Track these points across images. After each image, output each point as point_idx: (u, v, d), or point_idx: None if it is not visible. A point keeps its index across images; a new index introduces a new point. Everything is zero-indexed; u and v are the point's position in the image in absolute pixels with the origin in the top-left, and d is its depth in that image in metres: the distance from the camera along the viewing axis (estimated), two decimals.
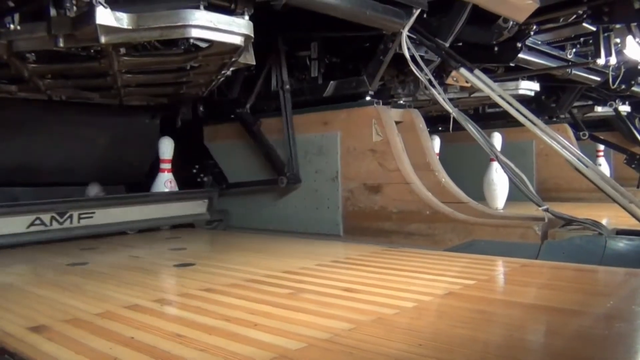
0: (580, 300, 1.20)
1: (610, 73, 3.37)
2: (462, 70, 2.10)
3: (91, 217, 2.29)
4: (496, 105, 2.12)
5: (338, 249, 2.05)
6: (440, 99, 2.13)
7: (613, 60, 2.96)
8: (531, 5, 2.04)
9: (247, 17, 1.53)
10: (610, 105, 3.95)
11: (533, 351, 0.92)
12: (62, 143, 2.71)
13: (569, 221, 1.85)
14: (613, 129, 4.43)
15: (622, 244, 1.74)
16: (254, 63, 1.93)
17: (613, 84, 3.44)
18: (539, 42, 2.98)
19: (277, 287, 1.35)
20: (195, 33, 1.41)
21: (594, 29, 2.82)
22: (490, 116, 3.71)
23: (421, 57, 2.07)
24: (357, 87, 2.35)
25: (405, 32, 2.01)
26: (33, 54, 1.67)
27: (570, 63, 3.17)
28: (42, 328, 1.04)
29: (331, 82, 2.44)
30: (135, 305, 1.19)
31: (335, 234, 2.32)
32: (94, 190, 2.73)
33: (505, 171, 2.13)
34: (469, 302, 1.18)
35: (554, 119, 3.76)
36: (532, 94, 3.25)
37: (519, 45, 2.59)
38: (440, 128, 3.48)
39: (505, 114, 2.09)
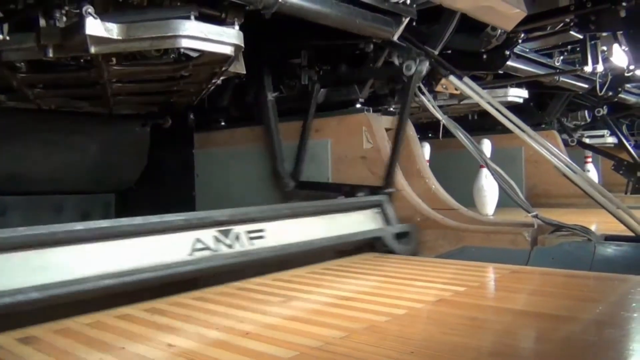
0: (570, 306, 1.21)
1: (598, 80, 3.41)
2: (452, 77, 2.11)
3: (261, 236, 1.60)
4: (485, 112, 2.14)
5: None
6: (430, 106, 2.15)
7: (600, 67, 3.00)
8: (519, 14, 2.06)
9: (237, 27, 1.54)
10: (598, 112, 3.99)
11: (524, 357, 0.93)
12: (52, 151, 2.70)
13: (558, 227, 1.87)
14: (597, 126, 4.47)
15: (610, 249, 1.76)
16: (244, 72, 1.93)
17: (600, 91, 3.49)
18: (527, 50, 3.01)
19: (268, 295, 1.35)
20: (185, 43, 1.40)
21: (581, 37, 2.86)
22: (479, 123, 3.74)
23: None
24: (347, 95, 2.36)
25: (395, 40, 2.03)
26: (23, 63, 1.66)
27: (558, 70, 3.21)
28: None
29: (322, 89, 2.45)
30: (126, 315, 1.18)
31: None
32: None
33: (494, 178, 2.15)
34: (460, 309, 1.18)
35: (543, 126, 3.79)
36: (521, 101, 3.28)
37: (507, 53, 2.62)
38: (430, 135, 3.50)
39: (495, 121, 2.11)
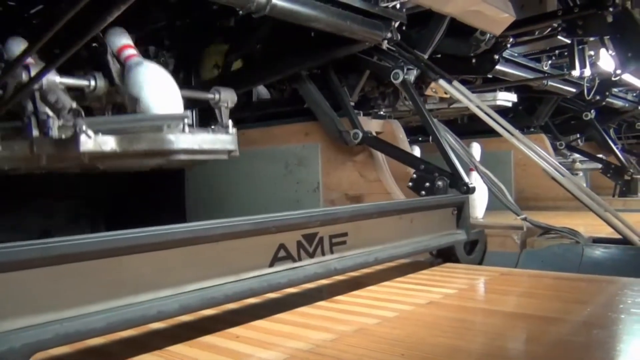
0: (560, 308, 1.22)
1: (585, 84, 3.45)
2: (441, 81, 2.13)
3: (344, 242, 1.37)
4: (475, 116, 2.16)
5: None
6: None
7: (587, 72, 3.04)
8: (507, 19, 2.08)
9: (232, 131, 1.53)
10: (586, 116, 4.03)
11: (514, 359, 0.93)
12: None
13: (546, 230, 1.89)
14: (589, 139, 4.53)
15: (598, 252, 1.78)
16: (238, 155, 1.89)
17: (588, 95, 3.53)
18: (516, 54, 3.04)
19: (257, 298, 1.34)
20: (180, 156, 1.38)
21: (568, 41, 2.89)
22: (468, 127, 3.76)
23: None
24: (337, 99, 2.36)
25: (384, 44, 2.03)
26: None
27: (546, 75, 3.24)
28: None
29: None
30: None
31: None
32: None
33: (484, 181, 2.17)
34: (450, 311, 1.19)
35: (531, 129, 3.82)
36: (510, 104, 3.31)
37: (496, 57, 2.64)
38: (419, 138, 3.51)
39: (484, 124, 2.12)
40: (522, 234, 1.88)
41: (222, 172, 2.72)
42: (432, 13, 2.17)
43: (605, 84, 3.63)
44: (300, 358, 0.90)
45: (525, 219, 1.92)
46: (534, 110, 3.90)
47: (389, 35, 1.96)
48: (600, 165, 4.13)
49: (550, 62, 3.26)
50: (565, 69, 3.24)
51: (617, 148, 4.17)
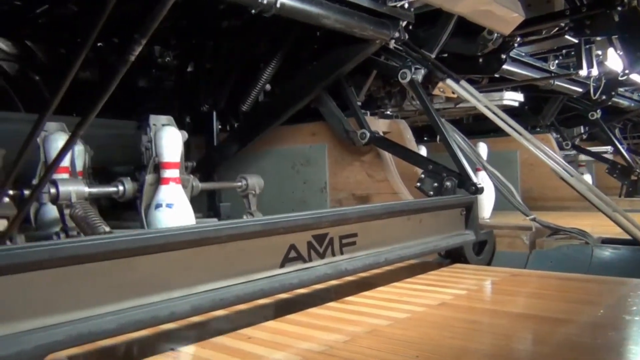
0: (569, 309, 1.21)
1: (592, 84, 3.43)
2: (449, 81, 2.12)
3: (353, 242, 1.35)
4: (480, 115, 2.15)
5: None
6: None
7: (595, 71, 3.02)
8: (517, 18, 2.07)
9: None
10: (592, 116, 4.02)
11: None
12: None
13: (555, 230, 1.88)
14: (595, 139, 4.51)
15: (608, 252, 1.77)
16: None
17: (594, 95, 3.51)
18: (523, 54, 3.03)
19: (270, 299, 1.34)
20: None
21: (576, 41, 2.88)
22: (474, 126, 3.75)
23: None
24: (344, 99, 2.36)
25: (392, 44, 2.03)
26: None
27: (553, 74, 3.23)
28: None
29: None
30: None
31: None
32: None
33: (492, 181, 2.16)
34: (461, 312, 1.18)
35: (538, 129, 3.81)
36: (517, 104, 3.30)
37: (504, 56, 2.63)
38: (425, 138, 3.51)
39: (491, 124, 2.11)
40: (531, 235, 1.87)
41: (230, 172, 2.71)
42: (440, 12, 2.16)
43: (612, 83, 3.61)
44: None
45: (534, 220, 1.91)
46: (539, 110, 3.88)
47: (397, 34, 1.95)
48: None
49: (557, 61, 3.24)
50: (572, 69, 3.23)
51: (623, 148, 4.15)
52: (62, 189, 1.48)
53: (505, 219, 2.49)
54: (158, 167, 1.77)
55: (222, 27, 2.37)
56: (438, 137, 2.20)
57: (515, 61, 2.95)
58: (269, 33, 2.33)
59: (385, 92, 2.64)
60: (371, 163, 2.23)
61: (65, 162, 1.69)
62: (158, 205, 1.70)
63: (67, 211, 1.46)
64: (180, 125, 1.91)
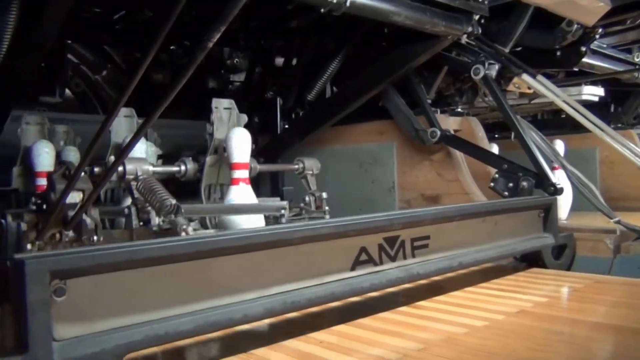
0: None
1: None
2: (525, 76, 2.02)
3: (426, 245, 1.32)
4: (554, 111, 2.04)
5: None
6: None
7: None
8: (602, 8, 1.94)
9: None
10: None
11: None
12: None
13: None
14: None
15: None
16: None
17: None
18: (605, 45, 2.85)
19: (339, 302, 1.32)
20: None
21: None
22: (548, 123, 3.58)
23: None
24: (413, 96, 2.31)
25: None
26: None
27: (637, 67, 3.02)
28: None
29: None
30: None
31: None
32: None
33: (571, 180, 2.05)
34: (543, 321, 1.12)
35: (619, 125, 3.58)
36: (597, 99, 3.11)
37: (584, 49, 2.48)
38: (496, 135, 3.38)
39: (564, 120, 2.00)
40: (616, 239, 1.75)
41: None
42: (514, 4, 2.07)
43: None
44: None
45: (619, 222, 1.79)
46: (620, 104, 3.65)
47: (470, 29, 1.88)
48: None
49: None
50: None
51: None
52: (129, 167, 1.56)
53: (584, 220, 2.36)
54: (218, 150, 1.83)
55: (290, 27, 2.38)
56: (512, 135, 2.10)
57: (595, 53, 2.78)
58: (337, 31, 2.31)
59: (455, 88, 2.56)
60: (441, 162, 2.16)
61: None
62: None
63: (134, 184, 1.54)
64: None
